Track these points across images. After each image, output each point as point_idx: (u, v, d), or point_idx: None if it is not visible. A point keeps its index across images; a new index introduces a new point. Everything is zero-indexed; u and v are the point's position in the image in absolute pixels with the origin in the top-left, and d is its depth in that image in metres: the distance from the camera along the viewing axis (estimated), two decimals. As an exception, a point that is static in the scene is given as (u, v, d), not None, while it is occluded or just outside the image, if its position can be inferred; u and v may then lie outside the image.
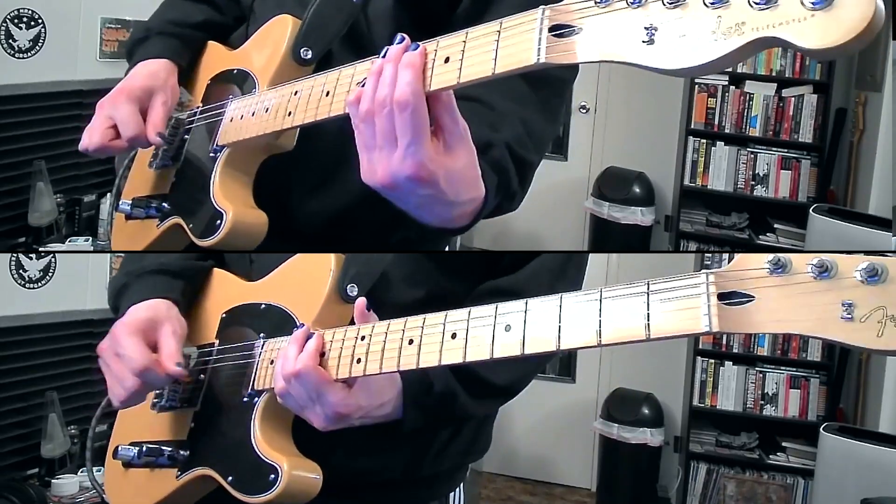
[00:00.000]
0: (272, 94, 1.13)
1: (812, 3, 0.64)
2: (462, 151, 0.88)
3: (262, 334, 1.14)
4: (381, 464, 1.14)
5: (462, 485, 1.26)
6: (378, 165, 0.87)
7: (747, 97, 4.16)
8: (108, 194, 2.97)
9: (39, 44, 2.86)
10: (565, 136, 4.56)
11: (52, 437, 2.65)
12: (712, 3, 0.68)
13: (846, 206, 3.85)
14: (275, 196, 1.19)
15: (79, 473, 2.67)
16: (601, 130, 4.55)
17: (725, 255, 3.99)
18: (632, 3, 0.72)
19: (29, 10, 2.84)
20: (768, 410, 4.02)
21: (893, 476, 2.93)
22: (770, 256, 0.74)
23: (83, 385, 2.74)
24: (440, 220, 0.93)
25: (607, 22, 0.74)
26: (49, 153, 2.85)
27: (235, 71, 1.24)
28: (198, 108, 1.27)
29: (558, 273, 1.17)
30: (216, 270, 1.27)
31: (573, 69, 1.06)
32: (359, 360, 0.98)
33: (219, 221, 1.14)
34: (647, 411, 4.06)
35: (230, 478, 1.08)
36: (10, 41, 2.81)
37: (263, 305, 1.16)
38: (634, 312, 0.79)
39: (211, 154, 1.20)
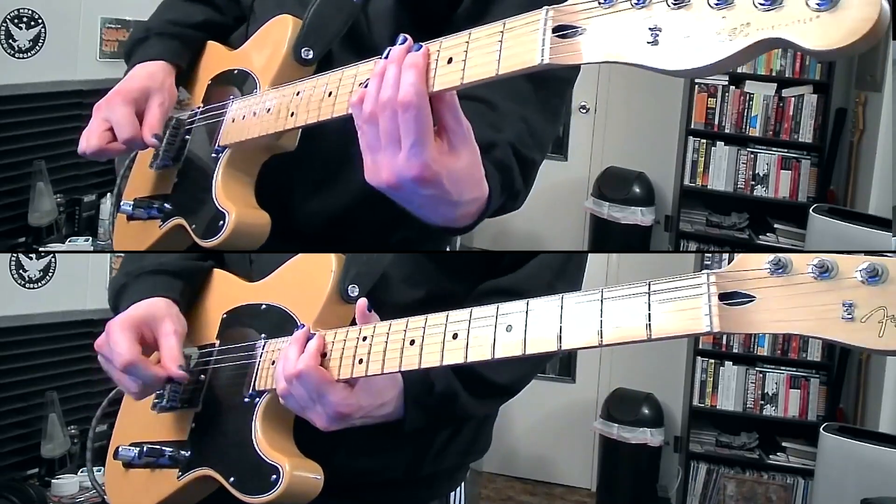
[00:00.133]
0: (274, 94, 1.12)
1: (817, 4, 0.64)
2: (466, 151, 0.88)
3: (263, 335, 1.14)
4: (382, 463, 1.15)
5: (462, 485, 1.26)
6: (382, 166, 0.87)
7: (747, 97, 4.16)
8: (109, 194, 2.98)
9: (39, 44, 2.86)
10: (565, 136, 4.56)
11: (52, 437, 2.65)
12: (717, 4, 0.68)
13: (846, 206, 3.85)
14: (275, 196, 1.19)
15: (79, 473, 2.67)
16: (601, 130, 4.55)
17: (725, 256, 3.99)
18: (636, 4, 0.72)
19: (29, 10, 2.84)
20: (768, 410, 4.02)
21: (893, 476, 2.93)
22: (771, 257, 0.74)
23: (83, 385, 2.74)
24: (444, 219, 0.93)
25: (611, 23, 0.73)
26: (49, 153, 2.85)
27: (236, 71, 1.24)
28: (199, 108, 1.27)
29: (558, 272, 1.17)
30: (216, 271, 1.27)
31: (575, 69, 1.06)
32: (361, 361, 0.99)
33: (221, 222, 1.14)
34: (647, 411, 4.06)
35: (232, 478, 1.08)
36: (10, 41, 2.81)
37: (264, 306, 1.16)
38: (636, 313, 0.79)
39: (212, 154, 1.20)
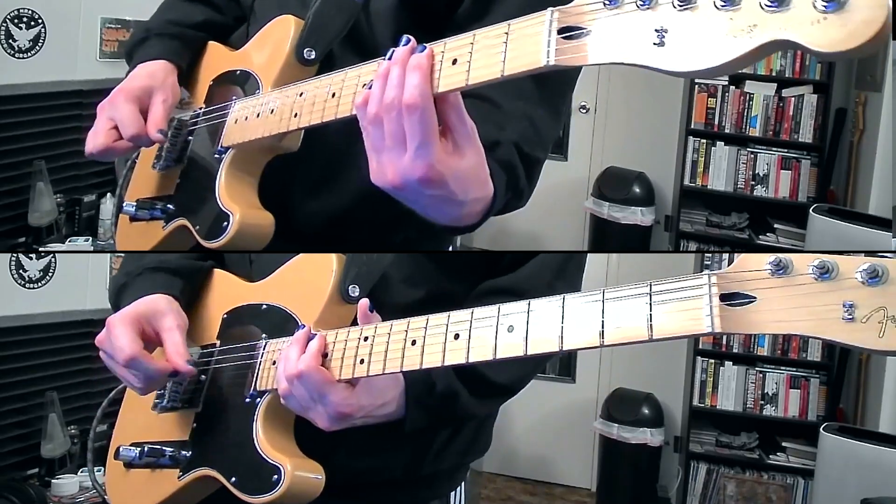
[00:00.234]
0: (277, 95, 1.12)
1: (824, 6, 0.64)
2: (470, 151, 0.88)
3: (263, 335, 1.14)
4: (383, 463, 1.15)
5: (462, 484, 1.26)
6: (388, 167, 0.87)
7: (747, 97, 4.16)
8: (109, 194, 2.98)
9: (39, 44, 2.86)
10: (565, 136, 4.56)
11: (52, 437, 2.65)
12: (723, 5, 0.68)
13: (846, 206, 3.85)
14: (275, 196, 1.19)
15: (79, 473, 2.67)
16: (601, 130, 4.55)
17: (725, 256, 3.99)
18: (641, 5, 0.71)
19: (29, 10, 2.84)
20: (768, 410, 4.02)
21: (893, 476, 2.93)
22: (771, 257, 0.74)
23: (83, 385, 2.74)
24: (449, 219, 0.93)
25: (617, 24, 0.73)
26: (49, 153, 2.85)
27: (238, 72, 1.24)
28: (201, 108, 1.27)
29: (558, 271, 1.17)
30: (217, 271, 1.27)
31: (577, 69, 1.06)
32: (362, 361, 0.99)
33: (225, 223, 1.14)
34: (647, 411, 4.06)
35: (233, 478, 1.09)
36: (10, 41, 2.81)
37: (265, 306, 1.16)
38: (637, 313, 0.79)
39: (215, 155, 1.20)
